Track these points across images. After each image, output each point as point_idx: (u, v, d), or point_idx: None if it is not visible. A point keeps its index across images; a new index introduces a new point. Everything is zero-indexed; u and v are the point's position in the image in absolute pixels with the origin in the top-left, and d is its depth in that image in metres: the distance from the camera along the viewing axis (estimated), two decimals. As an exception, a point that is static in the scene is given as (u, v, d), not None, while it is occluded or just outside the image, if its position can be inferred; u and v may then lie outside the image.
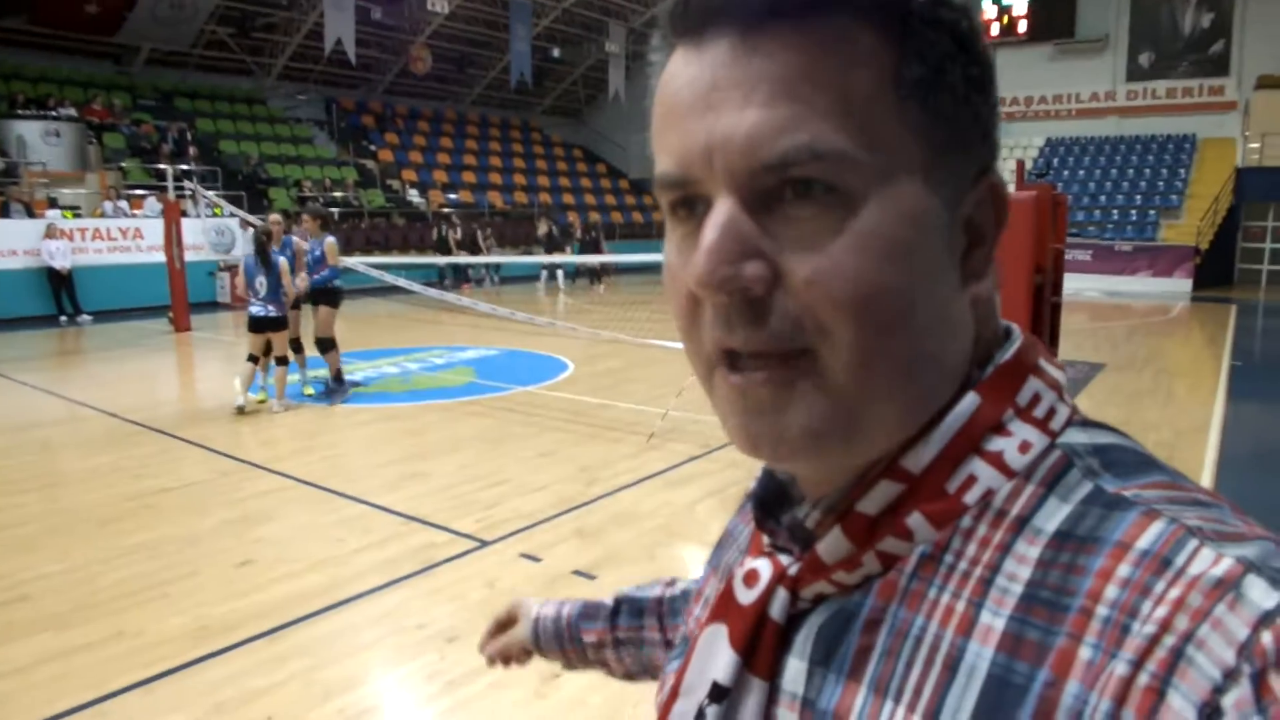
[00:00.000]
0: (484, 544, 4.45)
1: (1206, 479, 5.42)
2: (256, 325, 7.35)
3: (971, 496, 0.44)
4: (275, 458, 6.12)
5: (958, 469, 0.44)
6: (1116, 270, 19.47)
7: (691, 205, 0.45)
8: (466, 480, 5.52)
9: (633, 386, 8.41)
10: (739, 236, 0.42)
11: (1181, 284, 18.75)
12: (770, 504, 0.53)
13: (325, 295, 7.91)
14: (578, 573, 4.06)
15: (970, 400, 0.45)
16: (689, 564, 4.31)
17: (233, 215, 14.08)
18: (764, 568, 0.49)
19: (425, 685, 3.14)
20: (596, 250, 19.99)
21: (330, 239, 7.92)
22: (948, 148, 0.44)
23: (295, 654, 3.34)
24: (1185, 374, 9.64)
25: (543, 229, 21.48)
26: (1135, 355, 10.53)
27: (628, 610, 0.88)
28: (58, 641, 3.44)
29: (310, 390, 7.95)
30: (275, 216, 7.89)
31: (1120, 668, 0.35)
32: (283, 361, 7.50)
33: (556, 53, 28.20)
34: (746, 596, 0.49)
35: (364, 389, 8.46)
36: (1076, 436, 0.45)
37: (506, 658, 0.97)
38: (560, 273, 20.44)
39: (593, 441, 6.45)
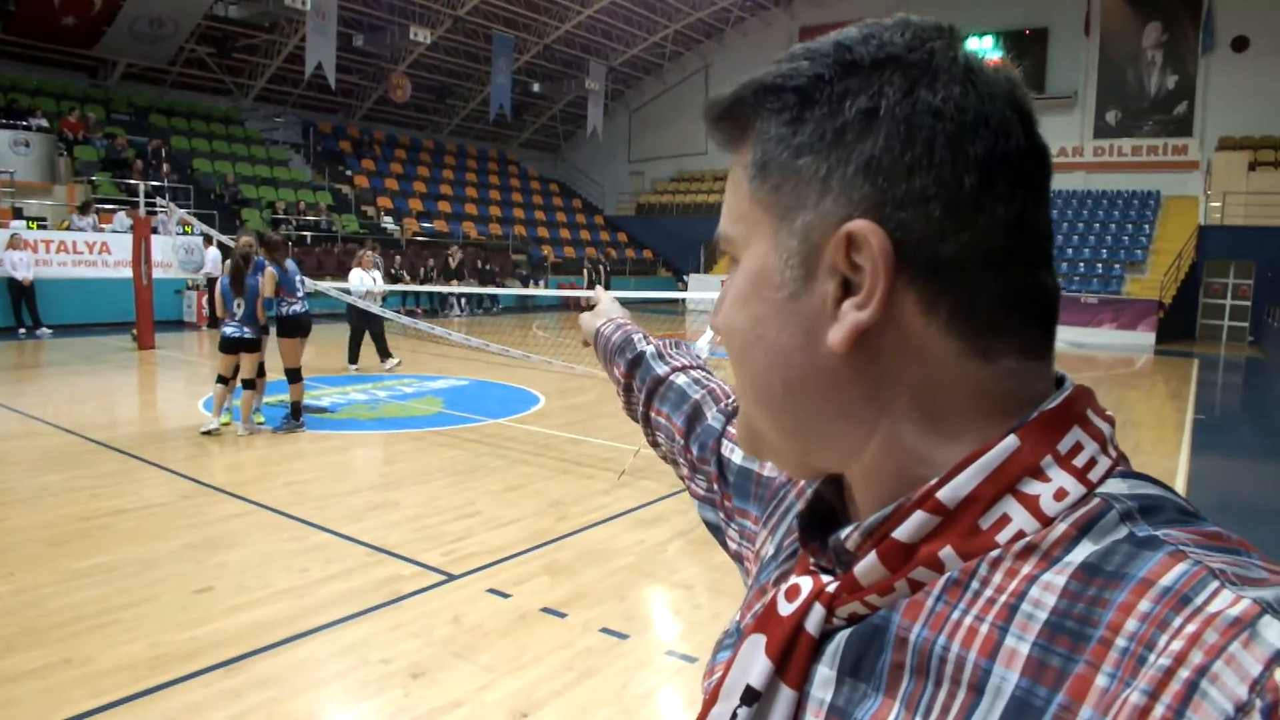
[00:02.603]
0: (451, 577, 4.35)
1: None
2: (229, 346, 7.22)
3: (1004, 536, 0.45)
4: (239, 482, 5.98)
5: (992, 507, 0.46)
6: (1082, 322, 19.74)
7: None
8: (434, 512, 5.42)
9: (605, 422, 8.36)
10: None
11: (1145, 337, 19.06)
12: (815, 524, 0.56)
13: (281, 325, 7.64)
14: (547, 610, 3.98)
15: (1009, 442, 0.46)
16: (659, 604, 4.25)
17: (204, 235, 13.92)
18: (805, 584, 0.52)
19: (388, 723, 3.04)
20: (490, 282, 22.60)
21: (270, 269, 7.45)
22: (788, 211, 0.50)
23: (254, 686, 3.22)
24: (1151, 426, 9.76)
25: (455, 259, 21.79)
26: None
27: (641, 372, 1.00)
28: (1, 668, 3.30)
29: (260, 419, 7.69)
30: (247, 238, 7.68)
31: (1135, 697, 0.37)
32: (249, 385, 7.37)
33: (536, 87, 28.43)
34: (786, 609, 0.51)
35: (331, 415, 8.33)
36: (1117, 486, 0.46)
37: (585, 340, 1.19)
38: (461, 301, 22.22)
39: (564, 476, 6.38)
